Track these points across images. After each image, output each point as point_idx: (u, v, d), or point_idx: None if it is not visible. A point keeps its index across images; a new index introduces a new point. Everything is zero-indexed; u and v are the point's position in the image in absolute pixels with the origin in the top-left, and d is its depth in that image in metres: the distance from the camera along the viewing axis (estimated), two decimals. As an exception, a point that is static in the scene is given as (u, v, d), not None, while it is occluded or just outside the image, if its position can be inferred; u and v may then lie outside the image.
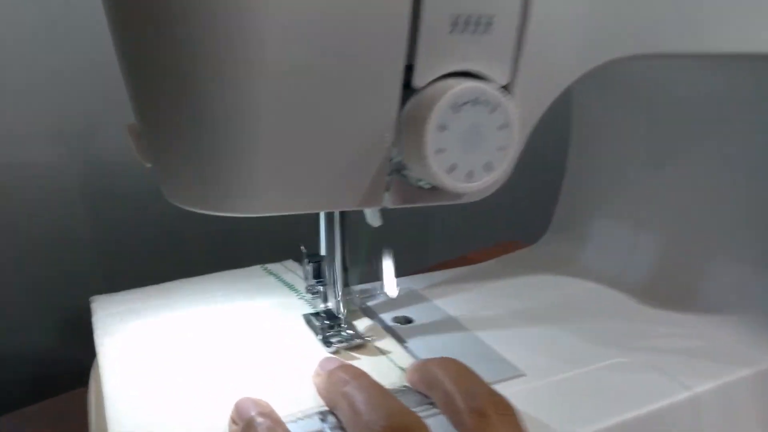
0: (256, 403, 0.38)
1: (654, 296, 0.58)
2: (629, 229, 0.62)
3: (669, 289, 0.58)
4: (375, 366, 0.46)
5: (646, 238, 0.61)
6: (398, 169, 0.38)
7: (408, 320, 0.53)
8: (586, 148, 0.67)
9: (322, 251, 0.50)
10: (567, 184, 0.70)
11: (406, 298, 0.58)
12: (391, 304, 0.56)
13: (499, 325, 0.52)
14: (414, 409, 0.37)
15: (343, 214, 0.47)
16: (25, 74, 0.64)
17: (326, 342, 0.47)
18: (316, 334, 0.49)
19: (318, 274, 0.51)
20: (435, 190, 0.39)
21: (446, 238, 1.07)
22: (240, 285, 0.61)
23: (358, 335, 0.49)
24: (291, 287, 0.60)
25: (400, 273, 0.51)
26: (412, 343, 0.49)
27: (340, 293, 0.49)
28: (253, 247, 0.80)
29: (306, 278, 0.52)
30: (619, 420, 0.40)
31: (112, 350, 0.47)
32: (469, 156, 0.35)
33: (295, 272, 0.64)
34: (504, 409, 0.37)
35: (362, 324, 0.51)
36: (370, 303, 0.56)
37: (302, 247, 0.53)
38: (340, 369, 0.42)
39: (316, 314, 0.51)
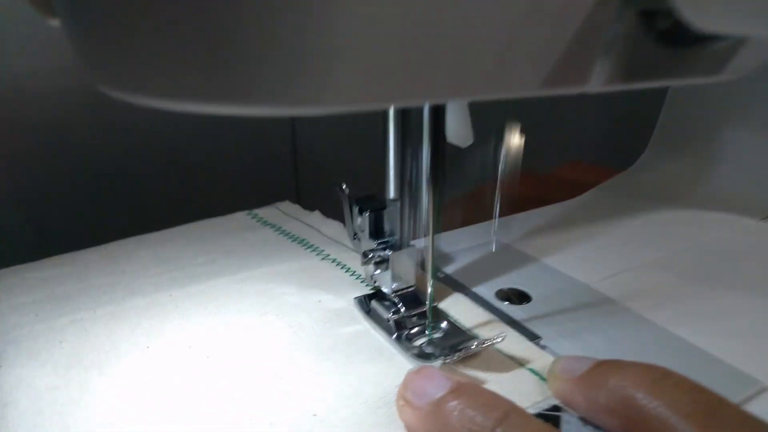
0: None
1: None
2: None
3: None
4: (506, 382, 0.26)
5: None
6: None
7: (523, 296, 0.34)
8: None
9: (390, 192, 0.29)
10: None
11: (501, 257, 0.38)
12: (485, 267, 0.36)
13: (664, 296, 0.33)
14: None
15: (438, 116, 0.26)
16: None
17: (415, 350, 0.28)
18: (389, 333, 0.29)
19: (378, 231, 0.31)
20: (699, 48, 0.19)
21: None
22: (225, 243, 0.40)
23: (466, 333, 0.30)
24: (306, 244, 0.40)
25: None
26: (549, 336, 0.29)
27: (430, 261, 0.29)
28: (224, 187, 0.58)
29: (355, 237, 0.32)
30: None
31: (11, 389, 0.26)
32: None
33: (301, 220, 0.43)
34: None
35: (453, 306, 0.32)
36: (448, 270, 0.36)
37: (343, 186, 0.32)
38: (461, 396, 0.22)
39: (377, 297, 0.31)
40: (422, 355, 0.27)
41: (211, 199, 0.55)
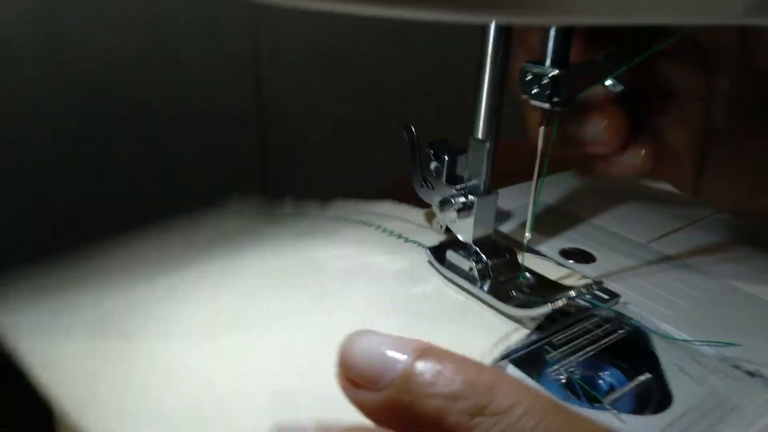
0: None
1: None
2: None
3: None
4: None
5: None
6: None
7: (586, 255, 0.34)
8: None
9: (479, 132, 0.29)
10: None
11: (552, 217, 0.38)
12: (540, 228, 0.37)
13: (719, 253, 0.35)
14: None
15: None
16: None
17: (513, 301, 0.27)
18: (473, 284, 0.29)
19: (454, 177, 0.31)
20: None
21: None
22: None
23: (556, 282, 0.29)
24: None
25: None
26: (627, 295, 0.30)
27: (532, 204, 0.28)
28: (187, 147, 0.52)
29: (424, 184, 0.31)
30: None
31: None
32: None
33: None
34: None
35: (527, 261, 0.32)
36: (504, 229, 0.37)
37: (412, 128, 0.32)
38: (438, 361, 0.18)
39: (449, 247, 0.31)
40: (524, 304, 0.27)
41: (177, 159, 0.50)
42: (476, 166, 0.29)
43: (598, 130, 0.29)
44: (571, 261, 0.33)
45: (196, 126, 0.49)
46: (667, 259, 0.34)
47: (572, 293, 0.27)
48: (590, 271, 0.32)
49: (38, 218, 0.42)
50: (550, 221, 0.37)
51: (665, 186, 0.44)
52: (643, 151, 0.30)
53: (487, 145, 0.29)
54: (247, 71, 0.50)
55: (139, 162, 0.47)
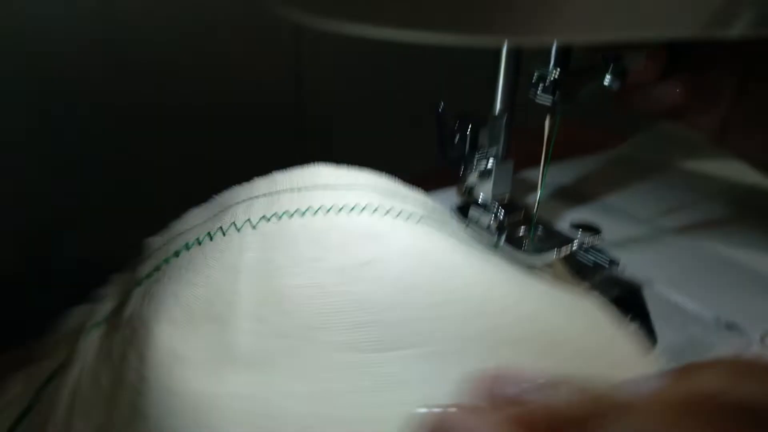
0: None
1: None
2: None
3: None
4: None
5: None
6: None
7: (593, 228, 0.38)
8: None
9: (497, 108, 0.33)
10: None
11: (564, 196, 0.43)
12: (553, 204, 0.41)
13: (713, 226, 0.39)
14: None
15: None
16: None
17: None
18: (494, 234, 0.33)
19: (477, 145, 0.35)
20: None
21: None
22: None
23: (563, 234, 0.34)
24: None
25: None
26: (625, 260, 0.34)
27: (542, 169, 0.33)
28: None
29: (451, 153, 0.36)
30: None
31: None
32: None
33: None
34: None
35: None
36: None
37: (439, 104, 0.36)
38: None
39: (472, 205, 0.35)
40: (535, 251, 0.31)
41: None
42: (495, 137, 0.34)
43: (637, 58, 0.32)
44: (580, 231, 0.37)
45: (239, 123, 0.53)
46: (667, 231, 0.38)
47: (576, 242, 0.31)
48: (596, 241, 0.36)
49: (79, 216, 0.46)
50: (564, 199, 0.42)
51: (673, 166, 0.47)
52: (678, 87, 0.32)
53: (504, 118, 0.33)
54: (289, 68, 0.54)
55: (181, 159, 0.50)
